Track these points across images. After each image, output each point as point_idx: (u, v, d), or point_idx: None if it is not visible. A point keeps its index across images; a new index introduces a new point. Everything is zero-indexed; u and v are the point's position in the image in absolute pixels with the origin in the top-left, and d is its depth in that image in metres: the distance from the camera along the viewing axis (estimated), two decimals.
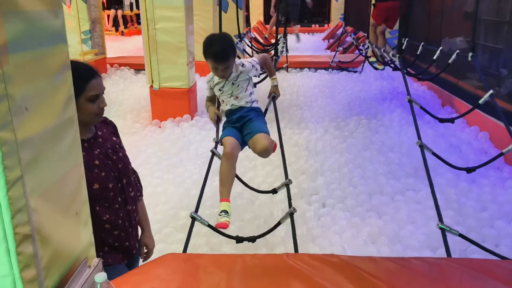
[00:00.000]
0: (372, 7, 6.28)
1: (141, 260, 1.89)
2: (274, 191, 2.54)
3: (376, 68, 6.77)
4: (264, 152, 2.36)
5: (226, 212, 2.26)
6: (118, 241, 1.68)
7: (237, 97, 2.47)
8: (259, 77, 4.45)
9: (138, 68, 7.36)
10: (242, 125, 2.45)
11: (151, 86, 5.00)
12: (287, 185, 2.36)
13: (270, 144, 2.36)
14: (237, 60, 2.48)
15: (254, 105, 2.54)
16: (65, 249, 1.16)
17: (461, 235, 2.02)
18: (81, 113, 1.37)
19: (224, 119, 2.60)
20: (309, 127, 4.82)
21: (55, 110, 1.10)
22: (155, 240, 2.37)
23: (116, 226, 1.65)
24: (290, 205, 2.21)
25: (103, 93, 1.60)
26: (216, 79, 2.50)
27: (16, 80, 0.92)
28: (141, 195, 1.89)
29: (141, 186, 1.90)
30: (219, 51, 2.33)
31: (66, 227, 1.18)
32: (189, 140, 4.39)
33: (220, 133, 2.57)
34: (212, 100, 2.67)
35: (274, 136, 2.53)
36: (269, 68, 2.70)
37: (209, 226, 2.17)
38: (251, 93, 2.52)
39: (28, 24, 0.97)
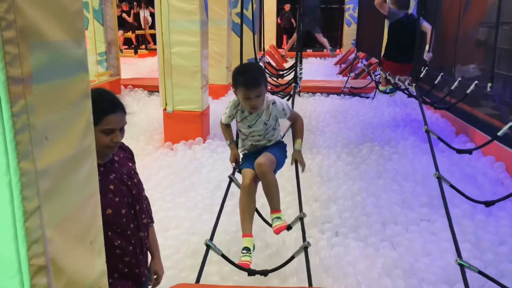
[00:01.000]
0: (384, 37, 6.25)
1: (150, 287, 1.86)
2: (289, 227, 2.44)
3: (381, 91, 6.61)
4: (258, 167, 2.30)
5: (248, 249, 2.26)
6: (128, 267, 1.65)
7: (269, 140, 2.45)
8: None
9: (152, 89, 7.44)
10: (261, 152, 2.44)
11: (165, 109, 5.03)
12: (301, 218, 2.32)
13: (268, 164, 2.30)
14: (269, 96, 2.39)
15: (279, 138, 2.53)
16: (78, 279, 1.14)
17: (480, 272, 1.96)
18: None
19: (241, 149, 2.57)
20: (321, 153, 4.79)
21: (74, 139, 1.10)
22: (166, 266, 2.34)
23: (127, 253, 1.63)
24: (304, 238, 2.17)
25: (122, 128, 1.57)
26: (246, 112, 2.38)
27: (38, 110, 0.92)
28: (152, 221, 1.87)
29: (151, 212, 1.88)
30: (251, 77, 2.23)
31: (80, 257, 1.16)
32: (201, 163, 4.38)
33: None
34: (229, 127, 2.58)
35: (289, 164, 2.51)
36: (299, 128, 2.49)
37: (223, 255, 2.14)
38: (278, 129, 2.50)
39: (53, 54, 0.98)
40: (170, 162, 4.45)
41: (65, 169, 1.05)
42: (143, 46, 14.69)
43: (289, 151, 2.55)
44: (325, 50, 12.58)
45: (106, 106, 1.52)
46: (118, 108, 1.56)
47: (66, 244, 1.07)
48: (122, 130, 1.59)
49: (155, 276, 1.86)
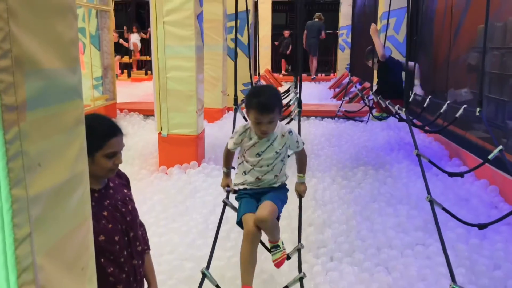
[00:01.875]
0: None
1: None
2: (288, 257, 2.43)
3: (375, 118, 6.80)
4: (259, 221, 2.18)
5: None
6: None
7: (276, 176, 2.31)
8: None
9: (147, 113, 7.46)
10: (262, 195, 2.31)
11: (160, 133, 5.04)
12: (299, 249, 2.32)
13: (269, 215, 2.19)
14: (284, 126, 2.30)
15: (284, 180, 2.42)
16: None
17: None
18: (96, 167, 1.38)
19: (239, 180, 2.39)
20: (316, 176, 4.79)
21: (67, 165, 1.10)
22: None
23: (120, 280, 1.62)
24: (300, 270, 2.16)
25: (121, 150, 1.60)
26: (255, 138, 2.24)
27: (32, 137, 0.92)
28: (148, 248, 1.86)
29: (147, 239, 1.87)
30: (265, 100, 2.11)
31: (71, 284, 1.14)
32: (195, 188, 4.37)
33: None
34: (231, 155, 2.45)
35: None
36: (305, 163, 2.49)
37: (217, 286, 2.13)
38: (285, 166, 2.39)
39: (47, 82, 0.99)
40: (164, 187, 4.43)
41: (58, 195, 1.05)
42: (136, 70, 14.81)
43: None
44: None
45: (108, 130, 1.55)
46: (118, 131, 1.59)
47: (57, 271, 1.07)
48: (121, 153, 1.62)
49: None
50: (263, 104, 2.11)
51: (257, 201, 2.29)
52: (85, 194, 1.22)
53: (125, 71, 13.76)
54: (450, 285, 2.00)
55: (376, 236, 3.39)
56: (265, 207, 2.20)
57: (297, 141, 2.32)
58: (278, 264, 2.33)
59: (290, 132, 2.28)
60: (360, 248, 3.24)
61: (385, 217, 3.71)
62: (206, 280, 2.18)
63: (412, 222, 3.59)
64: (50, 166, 1.01)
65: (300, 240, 2.38)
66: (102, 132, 1.51)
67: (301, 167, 2.47)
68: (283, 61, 15.30)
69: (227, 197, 2.56)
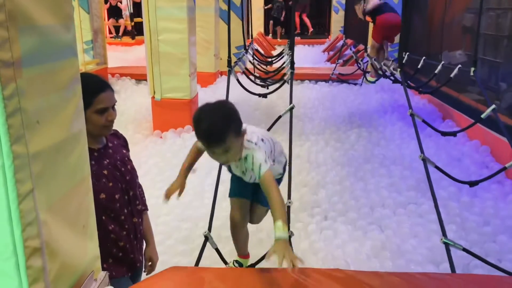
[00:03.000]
0: (371, 24, 6.36)
1: (144, 273, 1.88)
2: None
3: (368, 82, 6.84)
4: (252, 223, 2.28)
5: (241, 265, 2.22)
6: (123, 252, 1.67)
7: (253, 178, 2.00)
8: (267, 88, 4.40)
9: (139, 78, 7.38)
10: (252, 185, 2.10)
11: (153, 97, 5.01)
12: (288, 207, 2.34)
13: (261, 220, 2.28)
14: (246, 146, 1.74)
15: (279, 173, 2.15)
16: (72, 262, 1.15)
17: (465, 250, 2.02)
18: (89, 124, 1.38)
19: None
20: (310, 139, 4.82)
21: (65, 123, 1.11)
22: (158, 252, 2.36)
23: (121, 237, 1.65)
24: (288, 228, 2.20)
25: (113, 106, 1.60)
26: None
27: (29, 94, 0.93)
28: (146, 208, 1.89)
29: (145, 199, 1.90)
30: (210, 131, 1.60)
31: (73, 240, 1.17)
32: None
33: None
34: (199, 154, 1.96)
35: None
36: (275, 204, 1.62)
37: (217, 250, 2.18)
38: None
39: (42, 39, 0.98)
40: (159, 150, 4.45)
41: (57, 153, 1.06)
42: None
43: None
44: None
45: (95, 87, 1.55)
46: (106, 86, 1.59)
47: (60, 227, 1.09)
48: (114, 109, 1.61)
49: (149, 263, 1.88)
50: (208, 134, 1.61)
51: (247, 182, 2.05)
52: (84, 153, 1.24)
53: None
54: (441, 239, 2.07)
55: (369, 196, 3.46)
56: (259, 216, 2.24)
57: (252, 169, 1.73)
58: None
59: (245, 158, 1.75)
60: (353, 207, 3.31)
61: (378, 177, 3.77)
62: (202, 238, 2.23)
63: (405, 182, 3.65)
64: (48, 124, 1.01)
65: (290, 197, 2.40)
66: (90, 89, 1.49)
67: (274, 211, 1.60)
68: (271, 23, 15.05)
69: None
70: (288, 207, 2.34)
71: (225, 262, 2.22)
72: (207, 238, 2.18)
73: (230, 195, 2.16)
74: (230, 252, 2.48)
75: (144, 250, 1.86)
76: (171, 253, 2.70)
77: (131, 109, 5.73)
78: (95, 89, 1.54)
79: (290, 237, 1.92)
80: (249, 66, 6.55)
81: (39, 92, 0.98)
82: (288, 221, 2.20)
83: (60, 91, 1.08)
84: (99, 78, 1.64)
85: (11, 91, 0.86)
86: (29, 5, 0.93)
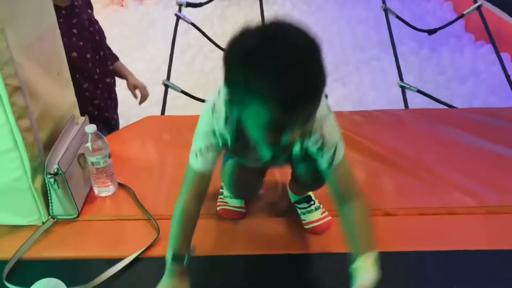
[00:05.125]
0: None
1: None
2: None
3: None
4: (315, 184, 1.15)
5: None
6: (98, 110, 1.75)
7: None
8: None
9: None
10: None
11: None
12: None
13: None
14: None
15: None
16: (52, 106, 1.24)
17: (419, 91, 2.20)
18: None
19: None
20: (277, 2, 4.72)
21: None
22: (132, 114, 2.45)
23: (95, 96, 1.71)
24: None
25: None
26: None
27: None
28: (117, 58, 1.92)
29: (114, 53, 1.93)
30: (306, 80, 0.75)
31: (50, 85, 1.24)
32: (155, 19, 4.26)
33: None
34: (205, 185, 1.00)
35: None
36: (363, 222, 0.95)
37: (182, 91, 2.25)
38: None
39: None
40: (121, 19, 4.29)
41: None
42: None
43: None
44: None
45: None
46: None
47: (35, 71, 1.15)
48: None
49: (136, 91, 1.92)
50: (300, 90, 0.75)
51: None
52: (47, 2, 1.24)
53: None
54: (398, 83, 2.23)
55: (334, 54, 3.54)
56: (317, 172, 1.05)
57: (322, 152, 0.96)
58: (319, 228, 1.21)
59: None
60: None
61: (343, 37, 3.83)
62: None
63: (369, 41, 3.73)
64: None
65: None
66: None
67: (360, 234, 0.94)
68: None
69: (179, 9, 2.48)
70: None
71: (194, 98, 2.22)
72: (167, 86, 2.23)
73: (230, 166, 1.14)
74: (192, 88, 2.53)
75: (127, 83, 1.91)
76: (145, 115, 2.80)
77: None
78: None
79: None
80: None
81: None
82: None
83: None
84: None
85: None
86: None
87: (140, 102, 1.94)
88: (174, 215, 0.98)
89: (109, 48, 1.88)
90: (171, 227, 0.97)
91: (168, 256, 0.94)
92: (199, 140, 0.96)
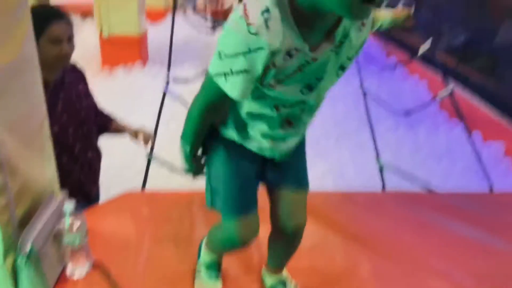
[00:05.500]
0: None
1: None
2: None
3: None
4: (296, 228, 1.13)
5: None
6: (77, 184, 1.71)
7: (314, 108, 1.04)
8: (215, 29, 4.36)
9: (85, 14, 7.04)
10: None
11: (101, 33, 4.86)
12: None
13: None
14: None
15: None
16: (32, 182, 1.24)
17: (397, 171, 2.26)
18: (43, 54, 1.38)
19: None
20: None
21: (16, 46, 1.14)
22: (114, 182, 2.42)
23: (74, 170, 1.69)
24: None
25: (68, 39, 1.55)
26: (304, 50, 0.83)
27: None
28: (111, 119, 1.90)
29: (110, 115, 1.92)
30: None
31: (31, 161, 1.25)
32: (142, 88, 4.37)
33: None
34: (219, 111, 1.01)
35: None
36: None
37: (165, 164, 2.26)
38: None
39: None
40: (109, 88, 4.40)
41: (9, 74, 1.11)
42: None
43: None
44: None
45: (48, 15, 1.50)
46: (61, 17, 1.53)
47: (18, 147, 1.17)
48: (70, 42, 1.57)
49: (140, 136, 1.88)
50: None
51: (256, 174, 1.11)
52: (36, 78, 1.28)
53: None
54: (376, 162, 2.30)
55: (313, 128, 3.65)
56: (301, 207, 1.14)
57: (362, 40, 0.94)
58: None
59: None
60: None
61: (323, 113, 3.97)
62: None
63: (348, 117, 3.88)
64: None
65: None
66: (43, 16, 1.47)
67: None
68: None
69: (166, 89, 2.52)
70: None
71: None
72: (149, 160, 2.22)
73: (232, 212, 1.07)
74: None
75: (128, 136, 1.89)
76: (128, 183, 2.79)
77: (78, 47, 5.47)
78: (48, 17, 1.50)
79: None
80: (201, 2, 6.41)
81: None
82: None
83: (8, 12, 1.10)
84: (55, 8, 1.58)
85: None
86: None
87: (146, 144, 1.90)
88: (191, 113, 0.98)
89: (101, 114, 1.87)
90: (187, 123, 1.01)
91: (186, 149, 1.07)
92: (229, 63, 0.82)
